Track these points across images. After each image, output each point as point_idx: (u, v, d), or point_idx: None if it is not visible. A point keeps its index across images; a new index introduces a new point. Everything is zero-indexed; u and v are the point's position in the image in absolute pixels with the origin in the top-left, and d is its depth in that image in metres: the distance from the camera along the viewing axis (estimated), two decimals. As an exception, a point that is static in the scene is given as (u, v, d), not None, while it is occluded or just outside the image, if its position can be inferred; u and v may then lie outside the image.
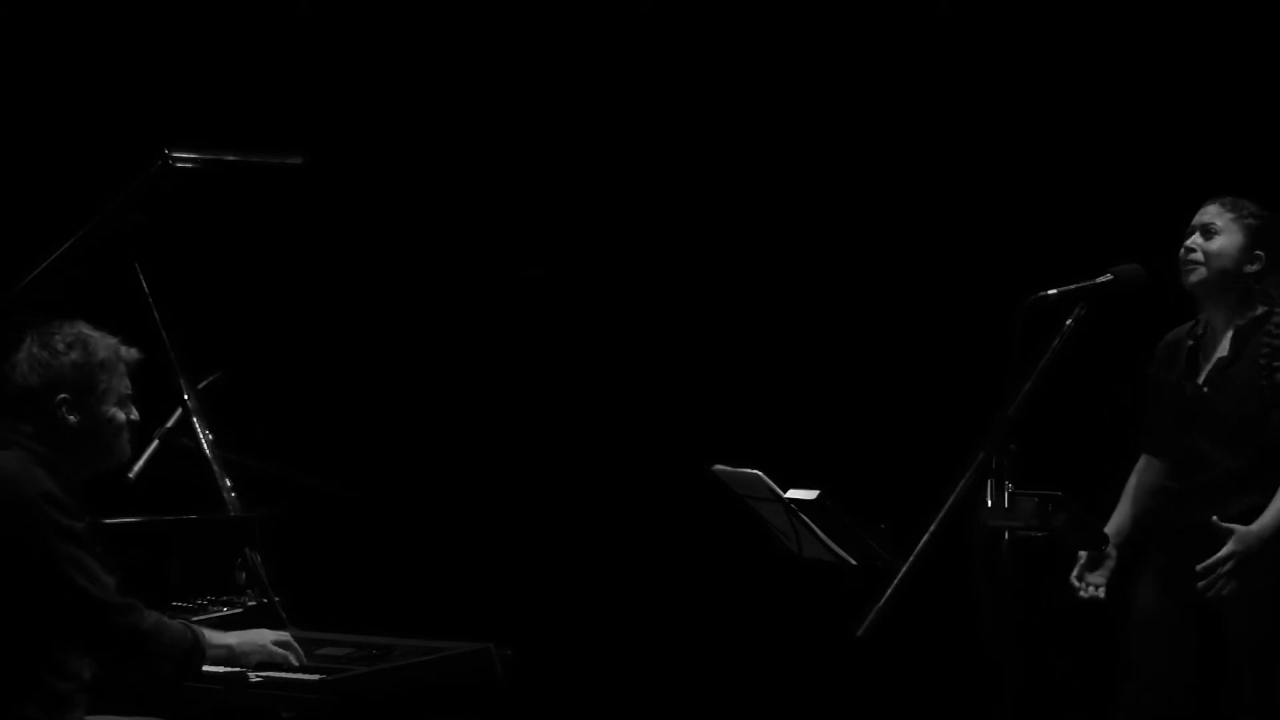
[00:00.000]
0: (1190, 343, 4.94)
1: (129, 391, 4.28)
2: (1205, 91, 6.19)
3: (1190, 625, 4.85)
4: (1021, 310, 4.59)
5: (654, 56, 6.93)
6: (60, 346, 4.20)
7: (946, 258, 6.56)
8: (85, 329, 4.25)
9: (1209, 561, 4.61)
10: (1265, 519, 4.65)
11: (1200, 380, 4.86)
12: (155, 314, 5.39)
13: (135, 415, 4.30)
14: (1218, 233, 4.82)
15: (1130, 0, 6.32)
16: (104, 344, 4.24)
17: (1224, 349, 4.84)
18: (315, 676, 4.30)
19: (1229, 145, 6.07)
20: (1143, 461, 5.13)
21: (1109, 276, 4.73)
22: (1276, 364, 4.70)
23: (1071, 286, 4.66)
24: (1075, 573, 5.04)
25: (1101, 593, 4.99)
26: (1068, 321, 4.64)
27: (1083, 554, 5.01)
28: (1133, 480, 5.13)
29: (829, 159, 6.75)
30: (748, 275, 6.89)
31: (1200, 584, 4.62)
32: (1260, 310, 4.80)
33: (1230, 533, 4.59)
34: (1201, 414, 4.83)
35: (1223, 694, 4.80)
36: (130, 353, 4.29)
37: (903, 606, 4.26)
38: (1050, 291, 4.64)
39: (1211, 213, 4.86)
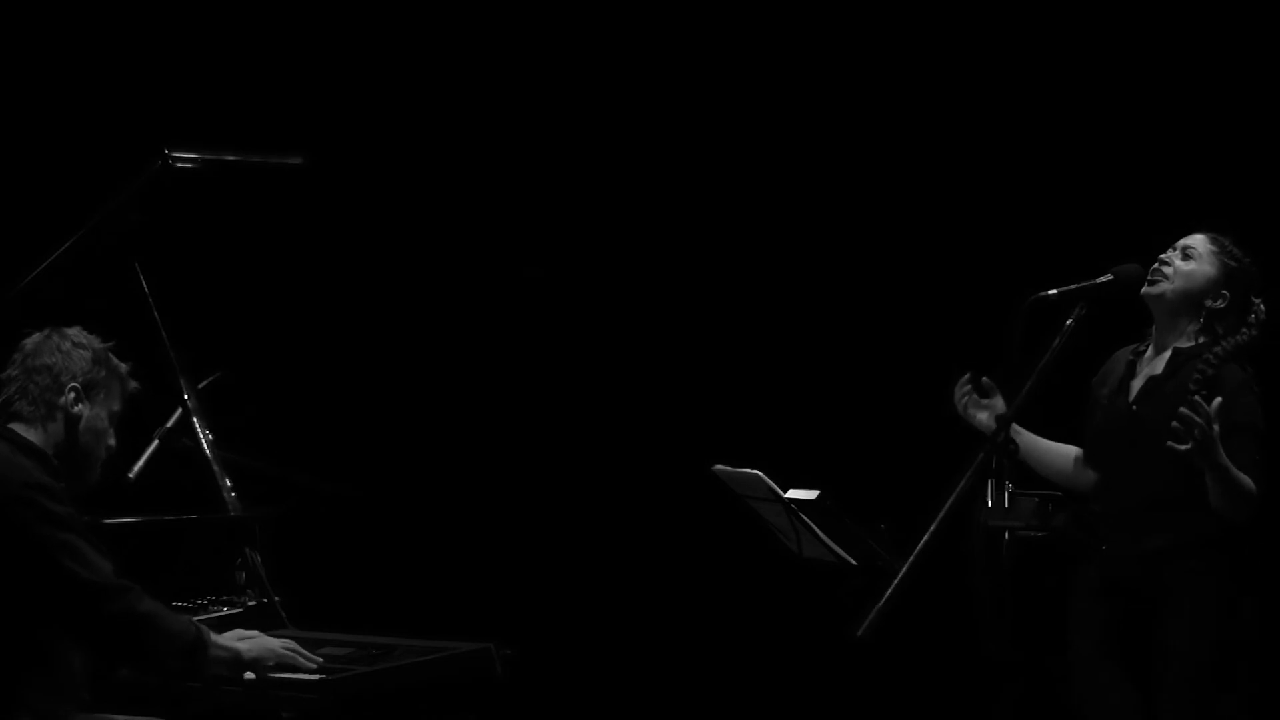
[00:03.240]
0: (1130, 358, 4.94)
1: (118, 412, 4.37)
2: (1205, 93, 6.19)
3: (1122, 673, 4.83)
4: (1021, 310, 4.59)
5: (654, 56, 6.93)
6: (81, 340, 4.33)
7: (946, 258, 6.56)
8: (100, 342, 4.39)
9: (1201, 407, 4.53)
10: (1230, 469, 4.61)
11: (1130, 397, 4.86)
12: (155, 314, 5.39)
13: (113, 442, 4.37)
14: (1195, 258, 4.83)
15: (1130, 2, 6.33)
16: (115, 360, 4.37)
17: (1158, 367, 4.84)
18: (315, 676, 4.30)
19: (1228, 146, 6.08)
20: (1080, 456, 5.10)
21: (1109, 276, 4.73)
22: (1205, 392, 4.69)
23: (1072, 286, 4.66)
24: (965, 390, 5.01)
25: (986, 419, 4.93)
26: (1068, 321, 4.64)
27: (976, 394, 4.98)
28: (1068, 447, 5.11)
29: (829, 159, 6.76)
30: (748, 275, 6.89)
31: (1182, 410, 4.54)
32: (1203, 340, 4.81)
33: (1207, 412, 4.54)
34: (1128, 431, 4.82)
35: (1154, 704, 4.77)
36: (133, 383, 4.41)
37: (903, 606, 4.26)
38: (1050, 291, 4.64)
39: (1197, 240, 4.87)
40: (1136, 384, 4.87)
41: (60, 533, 4.07)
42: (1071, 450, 5.08)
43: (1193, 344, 4.81)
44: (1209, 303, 4.81)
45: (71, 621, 4.12)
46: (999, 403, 4.95)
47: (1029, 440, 5.01)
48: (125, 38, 6.84)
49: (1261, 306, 4.84)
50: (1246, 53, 6.16)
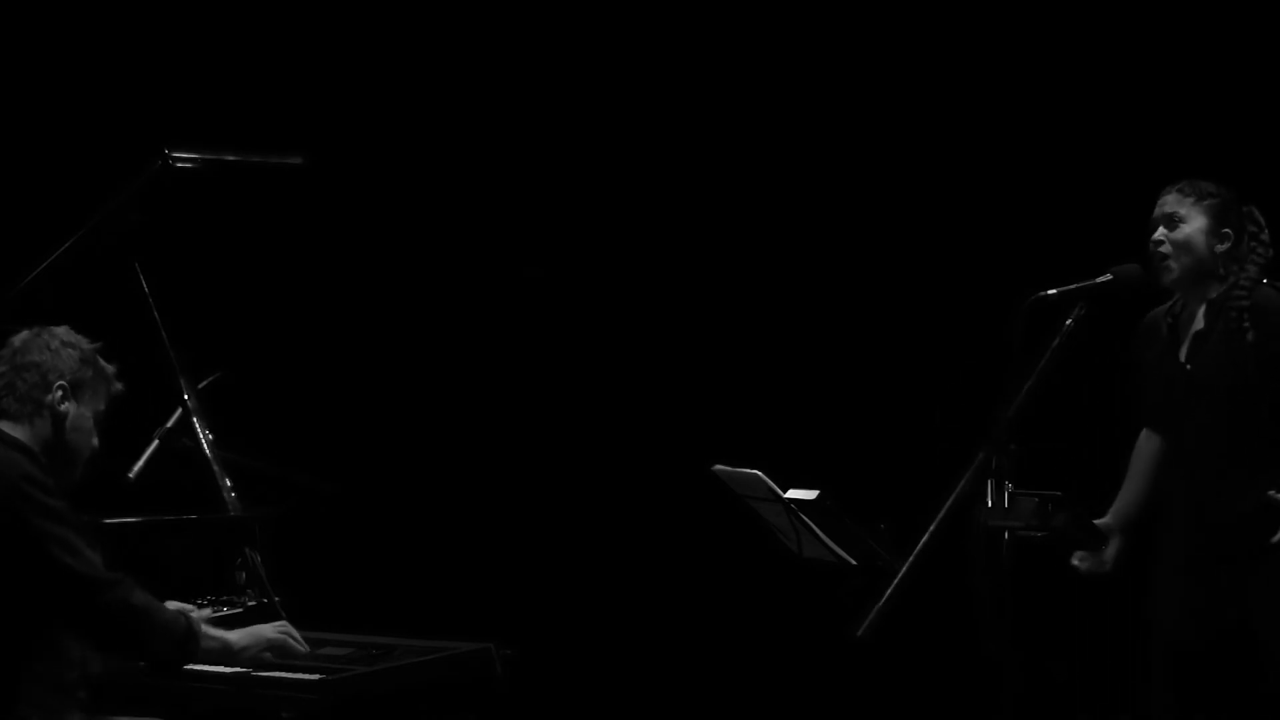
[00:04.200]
0: (1169, 320, 4.97)
1: (103, 413, 4.36)
2: (1205, 92, 6.19)
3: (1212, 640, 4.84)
4: (1021, 310, 4.59)
5: (654, 56, 6.93)
6: (70, 340, 4.33)
7: (946, 258, 6.56)
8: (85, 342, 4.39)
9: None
10: None
11: (1182, 357, 4.88)
12: (155, 313, 5.39)
13: (96, 442, 4.36)
14: (1182, 220, 4.85)
15: (1130, 1, 6.33)
16: (102, 362, 4.37)
17: (1199, 323, 4.87)
18: (315, 676, 4.30)
19: (1228, 146, 6.07)
20: (1143, 436, 5.13)
21: (1109, 276, 4.73)
22: (1247, 323, 4.71)
23: (1072, 286, 4.66)
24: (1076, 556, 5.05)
25: (1107, 567, 4.98)
26: (1068, 321, 4.64)
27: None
28: (1137, 456, 5.12)
29: (829, 159, 6.75)
30: (747, 275, 6.89)
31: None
32: (1229, 281, 4.84)
33: None
34: (1190, 390, 4.85)
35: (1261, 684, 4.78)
36: (118, 385, 4.40)
37: (903, 606, 4.26)
38: (1050, 291, 4.63)
39: (1171, 201, 4.89)
40: (1184, 343, 4.89)
41: (54, 526, 4.08)
42: (1141, 456, 5.09)
43: (1220, 289, 4.83)
44: (1218, 248, 4.83)
45: (66, 613, 4.14)
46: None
47: (1124, 506, 5.03)
48: (125, 38, 6.84)
49: (1255, 211, 4.86)
50: (1246, 52, 6.16)
